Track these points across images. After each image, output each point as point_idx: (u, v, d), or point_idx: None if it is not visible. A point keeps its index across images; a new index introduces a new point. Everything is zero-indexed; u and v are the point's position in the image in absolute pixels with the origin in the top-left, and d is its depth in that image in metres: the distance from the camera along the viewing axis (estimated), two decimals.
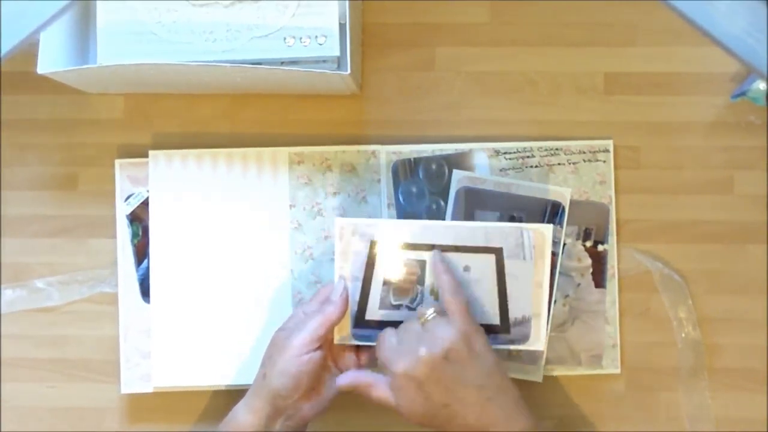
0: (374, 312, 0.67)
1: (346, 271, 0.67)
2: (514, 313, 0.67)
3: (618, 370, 0.74)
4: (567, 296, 0.74)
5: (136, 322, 0.75)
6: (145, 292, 0.75)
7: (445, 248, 0.67)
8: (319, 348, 0.65)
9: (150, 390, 0.74)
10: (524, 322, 0.67)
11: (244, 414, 0.65)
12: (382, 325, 0.66)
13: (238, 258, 0.75)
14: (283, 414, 0.65)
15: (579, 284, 0.74)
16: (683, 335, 0.74)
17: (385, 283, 0.67)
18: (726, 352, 0.74)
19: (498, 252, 0.67)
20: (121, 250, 0.76)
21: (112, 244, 0.76)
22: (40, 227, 0.77)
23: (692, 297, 0.74)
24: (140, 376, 0.75)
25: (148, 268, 0.75)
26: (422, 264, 0.67)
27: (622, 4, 0.76)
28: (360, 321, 0.67)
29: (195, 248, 0.75)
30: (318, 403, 0.67)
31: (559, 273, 0.73)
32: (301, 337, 0.64)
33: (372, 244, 0.67)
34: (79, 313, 0.76)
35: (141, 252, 0.75)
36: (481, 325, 0.65)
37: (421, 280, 0.67)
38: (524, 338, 0.67)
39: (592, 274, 0.74)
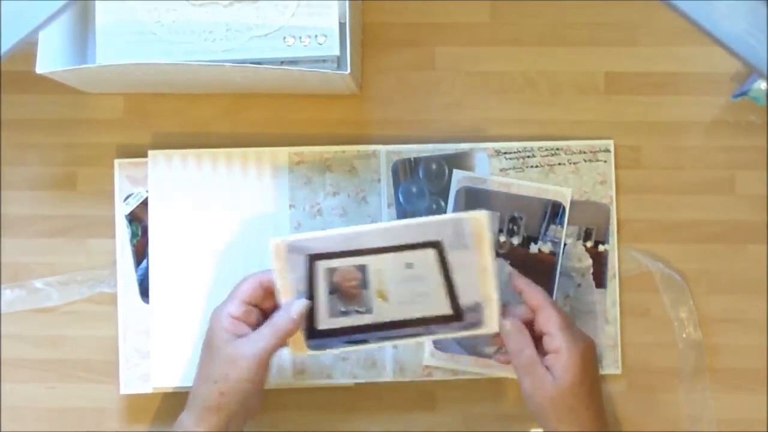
0: (325, 321, 0.66)
1: (288, 289, 0.66)
2: (464, 301, 0.66)
3: (619, 371, 0.74)
4: (567, 296, 0.74)
5: (136, 323, 0.75)
6: (144, 292, 0.75)
7: (383, 250, 0.66)
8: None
9: (149, 390, 0.74)
10: (476, 308, 0.66)
11: (194, 426, 0.65)
12: (335, 332, 0.66)
13: (237, 258, 0.75)
14: (235, 422, 0.65)
15: (579, 284, 0.74)
16: (684, 335, 0.74)
17: (331, 292, 0.66)
18: (726, 352, 0.74)
19: (436, 245, 0.66)
20: (120, 251, 0.76)
21: (112, 244, 0.76)
22: (39, 227, 0.77)
23: (693, 297, 0.74)
24: (139, 376, 0.75)
25: (147, 268, 0.75)
26: (362, 268, 0.66)
27: (622, 4, 0.76)
28: (313, 332, 0.66)
29: (194, 248, 0.75)
30: (260, 400, 0.66)
31: (560, 273, 0.73)
32: (261, 356, 0.63)
33: (310, 257, 0.66)
34: (79, 314, 0.76)
35: (140, 252, 0.75)
36: (435, 316, 0.66)
37: (364, 285, 0.66)
38: (478, 323, 0.66)
39: (593, 274, 0.74)
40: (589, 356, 0.64)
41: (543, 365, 0.64)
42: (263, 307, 0.67)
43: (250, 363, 0.63)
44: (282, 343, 0.65)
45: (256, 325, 0.66)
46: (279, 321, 0.64)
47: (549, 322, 0.64)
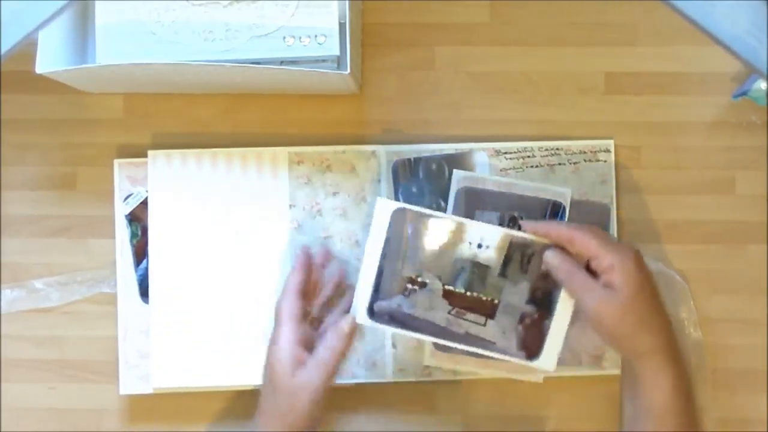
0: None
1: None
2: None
3: (619, 371, 0.74)
4: None
5: (135, 323, 0.75)
6: (144, 292, 0.75)
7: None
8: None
9: (149, 391, 0.74)
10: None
11: None
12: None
13: (237, 258, 0.75)
14: None
15: None
16: (684, 335, 0.74)
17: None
18: (726, 352, 0.74)
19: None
20: (120, 251, 0.76)
21: (111, 244, 0.76)
22: (39, 227, 0.77)
23: (693, 297, 0.74)
24: (139, 376, 0.74)
25: (147, 268, 0.75)
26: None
27: (622, 4, 0.76)
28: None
29: (194, 248, 0.75)
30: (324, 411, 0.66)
31: None
32: (322, 381, 0.63)
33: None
34: (78, 314, 0.76)
35: (140, 252, 0.75)
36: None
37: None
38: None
39: None
40: (639, 262, 0.63)
41: (600, 284, 0.62)
42: (311, 291, 0.69)
43: (314, 393, 0.63)
44: (340, 360, 0.64)
45: (311, 342, 0.65)
46: (332, 342, 0.64)
47: (589, 245, 0.63)
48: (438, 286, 0.68)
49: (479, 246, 0.67)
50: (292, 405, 0.63)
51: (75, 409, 0.76)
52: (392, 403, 0.75)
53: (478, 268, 0.67)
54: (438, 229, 0.67)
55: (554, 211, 0.73)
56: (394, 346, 0.74)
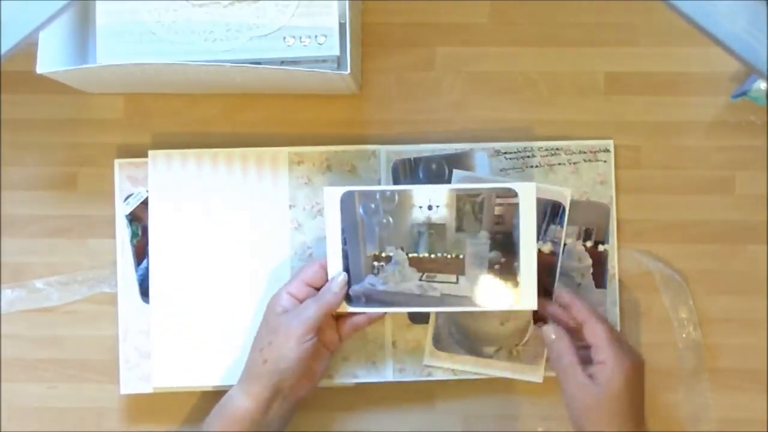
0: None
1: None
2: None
3: None
4: None
5: (136, 323, 0.75)
6: (144, 292, 0.75)
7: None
8: (317, 332, 0.68)
9: (149, 390, 0.74)
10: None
11: (241, 399, 0.67)
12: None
13: (237, 258, 0.75)
14: (281, 396, 0.67)
15: (579, 284, 0.74)
16: (684, 335, 0.74)
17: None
18: (726, 352, 0.74)
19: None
20: (121, 250, 0.76)
21: (112, 244, 0.76)
22: (39, 227, 0.77)
23: (693, 297, 0.74)
24: (140, 376, 0.74)
25: (147, 268, 0.75)
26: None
27: (622, 4, 0.76)
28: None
29: (194, 248, 0.75)
30: (312, 382, 0.70)
31: (560, 273, 0.73)
32: (304, 324, 0.66)
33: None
34: (79, 314, 0.76)
35: (140, 252, 0.75)
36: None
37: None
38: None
39: (593, 274, 0.74)
40: (635, 373, 0.65)
41: (585, 372, 0.64)
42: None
43: (291, 332, 0.66)
44: (325, 315, 0.67)
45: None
46: (322, 295, 0.68)
47: (595, 335, 0.65)
48: (402, 256, 0.69)
49: (429, 207, 0.69)
50: (269, 341, 0.67)
51: (75, 408, 0.76)
52: (392, 403, 0.75)
53: (435, 229, 0.69)
54: (387, 202, 0.69)
55: (554, 211, 0.73)
56: (394, 345, 0.74)
